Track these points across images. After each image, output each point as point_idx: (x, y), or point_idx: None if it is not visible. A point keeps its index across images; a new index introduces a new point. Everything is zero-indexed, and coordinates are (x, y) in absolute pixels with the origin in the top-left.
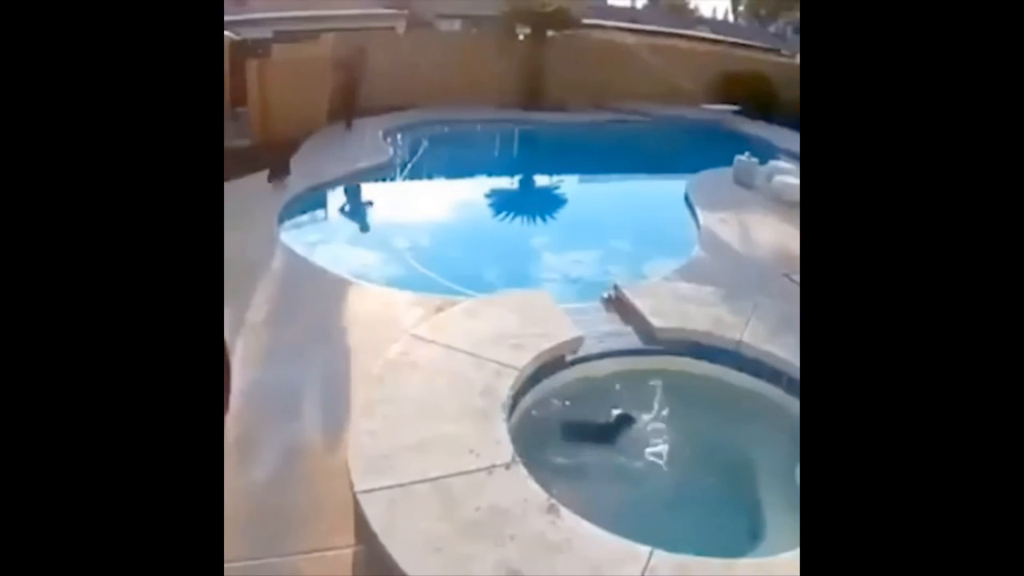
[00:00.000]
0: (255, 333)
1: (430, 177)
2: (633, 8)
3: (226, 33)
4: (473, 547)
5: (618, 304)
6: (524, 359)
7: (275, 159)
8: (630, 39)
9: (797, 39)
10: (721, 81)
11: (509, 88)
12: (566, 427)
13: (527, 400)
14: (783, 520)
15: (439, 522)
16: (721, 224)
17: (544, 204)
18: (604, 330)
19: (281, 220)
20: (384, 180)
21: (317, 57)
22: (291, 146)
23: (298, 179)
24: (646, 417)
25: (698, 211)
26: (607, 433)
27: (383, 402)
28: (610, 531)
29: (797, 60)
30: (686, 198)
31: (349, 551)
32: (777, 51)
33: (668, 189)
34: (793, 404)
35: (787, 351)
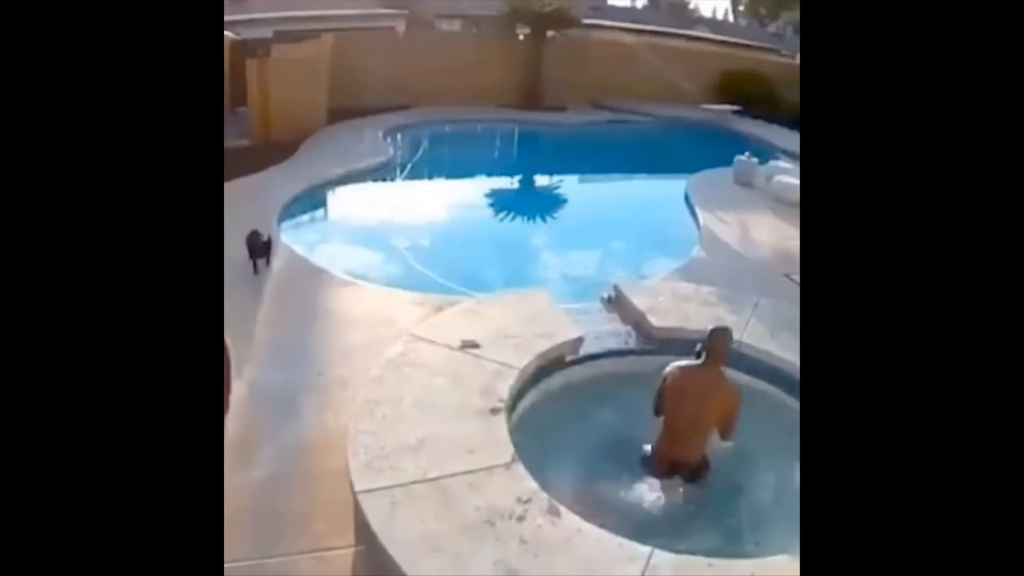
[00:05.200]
0: (255, 333)
1: (430, 177)
2: (633, 8)
3: (226, 33)
4: (472, 547)
5: (618, 304)
6: (524, 359)
7: (254, 244)
8: (630, 39)
9: (797, 39)
10: (721, 81)
11: (509, 88)
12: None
13: (527, 400)
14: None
15: (438, 522)
16: (721, 224)
17: (544, 204)
18: (604, 330)
19: (281, 220)
20: (384, 180)
21: (317, 57)
22: (291, 146)
23: (298, 179)
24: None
25: (698, 211)
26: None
27: (383, 402)
28: None
29: (797, 60)
30: (686, 198)
31: (349, 551)
32: (777, 51)
33: (668, 189)
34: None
35: (787, 351)
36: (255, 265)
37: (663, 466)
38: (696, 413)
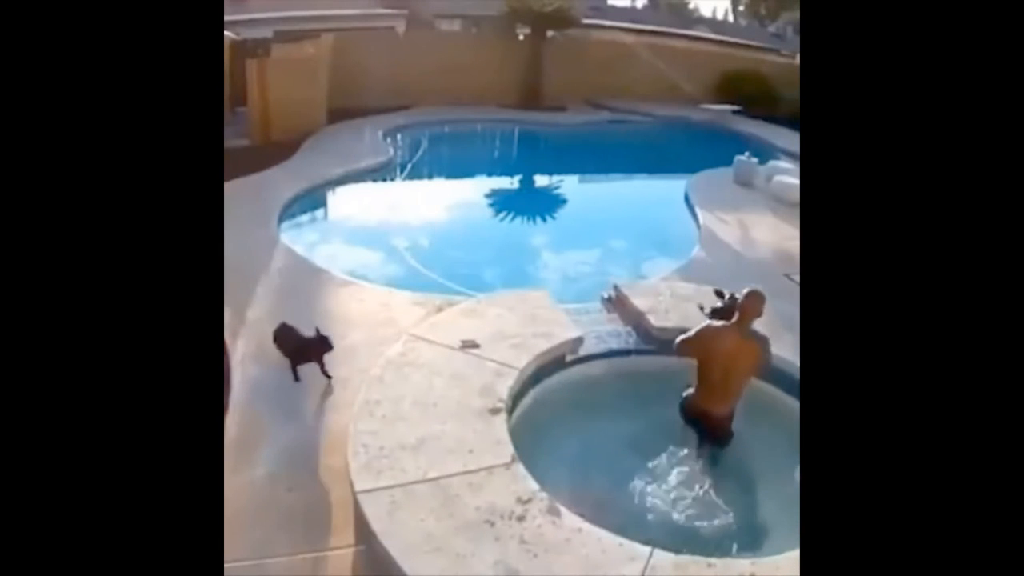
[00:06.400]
0: (255, 333)
1: (430, 177)
2: (633, 8)
3: (226, 33)
4: (472, 547)
5: (618, 304)
6: (524, 359)
7: (291, 341)
8: (630, 39)
9: (797, 39)
10: (721, 81)
11: (509, 88)
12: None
13: (527, 400)
14: None
15: (438, 522)
16: (721, 224)
17: (544, 204)
18: (604, 330)
19: (281, 220)
20: (384, 180)
21: (317, 57)
22: (291, 146)
23: (299, 179)
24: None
25: (698, 211)
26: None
27: (383, 402)
28: None
29: (797, 60)
30: (686, 198)
31: (349, 551)
32: (777, 51)
33: (668, 189)
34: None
35: (787, 351)
36: (295, 372)
37: (694, 416)
38: (726, 370)
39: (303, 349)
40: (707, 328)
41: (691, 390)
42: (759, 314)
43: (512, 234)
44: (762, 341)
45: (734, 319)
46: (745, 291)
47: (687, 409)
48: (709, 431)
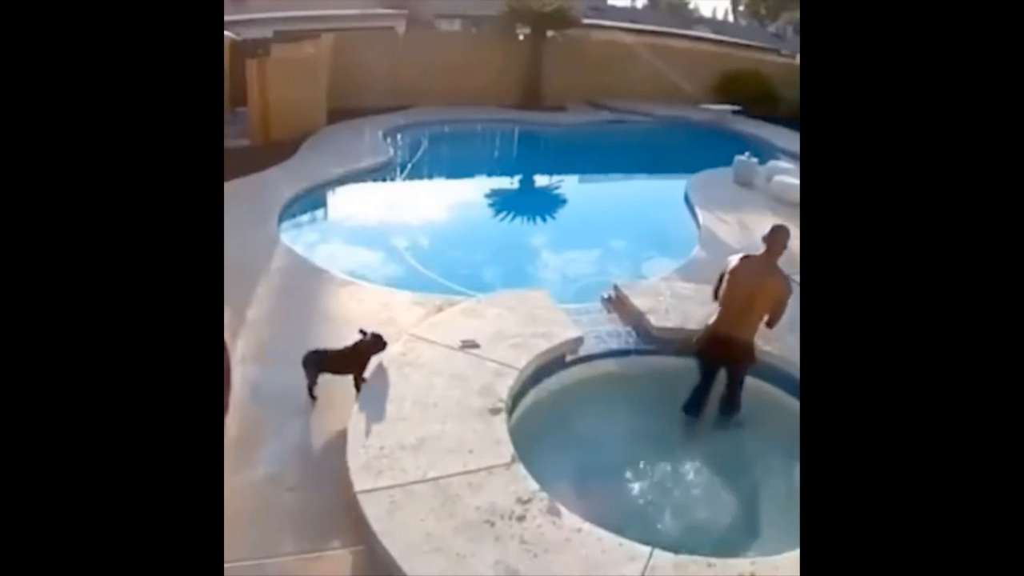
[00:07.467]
0: (255, 333)
1: (430, 177)
2: (633, 8)
3: (226, 33)
4: (472, 547)
5: (618, 304)
6: (524, 359)
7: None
8: (630, 39)
9: (797, 39)
10: (721, 81)
11: (509, 88)
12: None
13: (527, 400)
14: None
15: (438, 522)
16: (721, 224)
17: (544, 204)
18: (604, 330)
19: (281, 220)
20: (384, 180)
21: (317, 57)
22: (291, 146)
23: (299, 179)
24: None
25: (698, 211)
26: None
27: (383, 402)
28: None
29: (797, 60)
30: (686, 198)
31: (349, 551)
32: (777, 51)
33: (668, 189)
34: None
35: (787, 351)
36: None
37: (715, 345)
38: (751, 294)
39: (356, 357)
40: (734, 259)
41: (710, 321)
42: (784, 247)
43: (512, 234)
44: (788, 280)
45: (761, 251)
46: (770, 226)
47: (707, 342)
48: (732, 359)
